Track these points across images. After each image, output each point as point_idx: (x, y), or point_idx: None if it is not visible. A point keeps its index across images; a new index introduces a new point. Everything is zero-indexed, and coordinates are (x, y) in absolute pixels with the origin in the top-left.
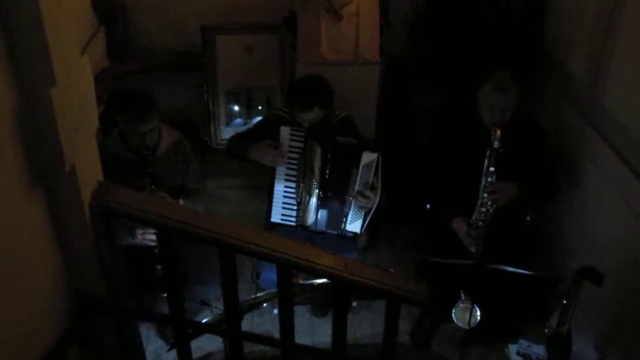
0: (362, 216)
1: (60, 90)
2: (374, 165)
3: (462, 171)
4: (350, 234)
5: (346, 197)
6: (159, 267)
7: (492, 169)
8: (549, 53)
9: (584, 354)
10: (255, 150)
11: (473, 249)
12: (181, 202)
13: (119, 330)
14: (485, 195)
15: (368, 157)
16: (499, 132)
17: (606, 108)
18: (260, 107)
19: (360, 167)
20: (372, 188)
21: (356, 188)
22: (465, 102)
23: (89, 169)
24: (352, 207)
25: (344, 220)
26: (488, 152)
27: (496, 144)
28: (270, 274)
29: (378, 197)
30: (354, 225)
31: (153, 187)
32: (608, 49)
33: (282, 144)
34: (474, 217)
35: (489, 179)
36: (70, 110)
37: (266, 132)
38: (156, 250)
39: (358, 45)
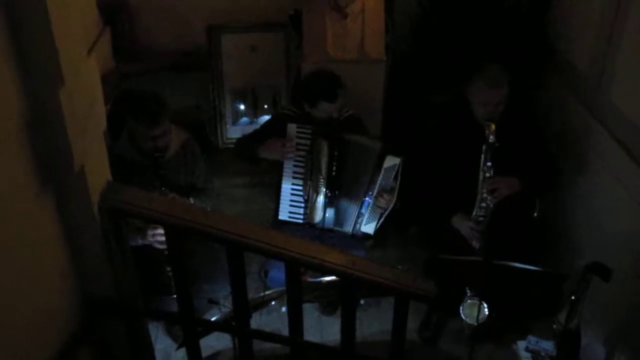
0: (377, 218)
1: (68, 91)
2: (396, 169)
3: (459, 168)
4: (362, 235)
5: (365, 197)
6: (168, 269)
7: (489, 164)
8: (554, 48)
9: (593, 349)
10: (264, 149)
11: (476, 245)
12: (191, 200)
13: (129, 331)
14: (484, 190)
15: (391, 161)
16: (493, 126)
17: (612, 102)
18: (266, 106)
19: (383, 170)
20: (391, 190)
21: (376, 189)
22: (460, 98)
23: (97, 169)
24: (370, 208)
25: (360, 220)
26: (484, 148)
27: (491, 139)
28: (277, 274)
29: (394, 199)
30: (368, 226)
31: (163, 188)
32: (613, 42)
33: (290, 139)
34: (474, 213)
35: (487, 174)
36: (79, 110)
37: (273, 132)
38: (166, 252)
39: (363, 44)
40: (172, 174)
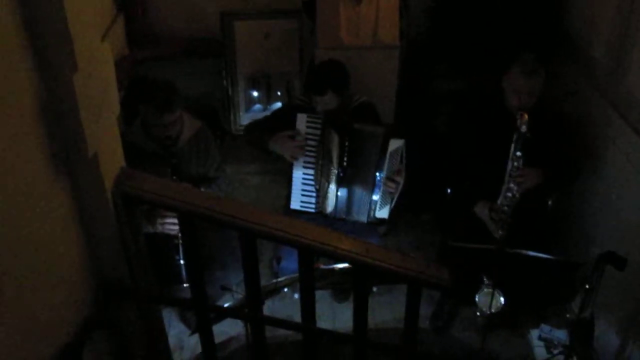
0: (390, 202)
1: (82, 76)
2: (400, 151)
3: (486, 156)
4: (377, 220)
5: (375, 184)
6: (177, 257)
7: (518, 153)
8: (571, 35)
9: (606, 338)
10: (274, 142)
11: (497, 234)
12: (202, 190)
13: (143, 316)
14: (512, 180)
15: (395, 144)
16: (526, 116)
17: (630, 91)
18: (279, 93)
19: (388, 154)
20: (399, 172)
21: (384, 175)
22: (487, 86)
23: (111, 155)
24: (381, 194)
25: (374, 207)
26: (515, 137)
27: (523, 128)
28: (289, 263)
29: (402, 181)
30: (382, 211)
31: (175, 177)
32: (632, 30)
33: (299, 132)
34: (499, 201)
35: (515, 164)
36: (92, 96)
37: (283, 121)
38: (176, 241)
39: (377, 30)
40: (184, 163)
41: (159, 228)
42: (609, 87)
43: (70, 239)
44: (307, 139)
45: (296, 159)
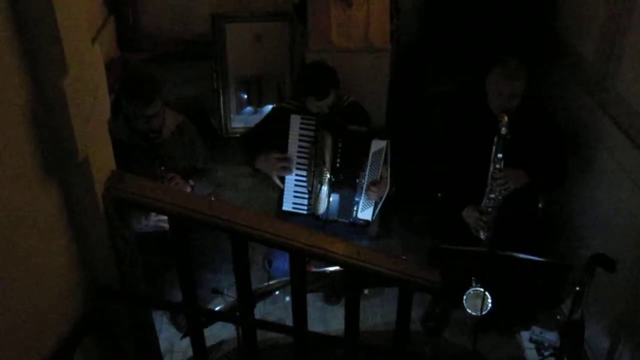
0: (373, 204)
1: (72, 80)
2: (384, 152)
3: (471, 158)
4: (362, 222)
5: (357, 184)
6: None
7: (500, 155)
8: (561, 36)
9: (597, 341)
10: (260, 162)
11: (483, 236)
12: (191, 182)
13: (133, 319)
14: (494, 182)
15: (377, 145)
16: (506, 118)
17: (619, 92)
18: (270, 96)
19: (370, 155)
20: (381, 177)
21: (366, 177)
22: (474, 88)
23: (101, 159)
24: (363, 195)
25: (355, 208)
26: (496, 139)
27: (504, 130)
28: (281, 263)
29: (388, 185)
30: (365, 212)
31: (163, 168)
32: (620, 32)
33: (291, 134)
34: (483, 203)
35: (497, 166)
36: (82, 99)
37: (275, 125)
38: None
39: (368, 32)
40: (170, 155)
41: (154, 220)
42: (597, 87)
43: (60, 242)
44: (300, 140)
45: (284, 173)
